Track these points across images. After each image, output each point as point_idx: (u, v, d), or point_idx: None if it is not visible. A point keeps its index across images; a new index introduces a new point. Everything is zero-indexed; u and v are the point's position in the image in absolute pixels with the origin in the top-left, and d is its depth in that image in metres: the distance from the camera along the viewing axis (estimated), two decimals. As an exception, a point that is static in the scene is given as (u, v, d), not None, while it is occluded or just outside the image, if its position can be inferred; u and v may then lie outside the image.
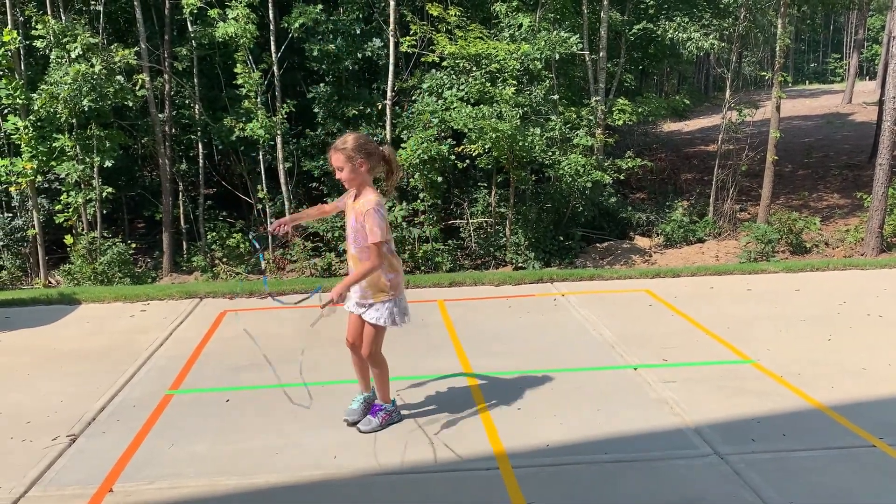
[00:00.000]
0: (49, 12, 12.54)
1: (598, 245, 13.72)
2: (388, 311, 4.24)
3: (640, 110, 14.46)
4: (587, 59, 14.11)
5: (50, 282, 12.23)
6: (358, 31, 13.69)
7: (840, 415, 4.59)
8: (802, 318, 6.58)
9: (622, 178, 14.61)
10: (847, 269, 8.52)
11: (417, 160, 12.05)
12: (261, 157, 13.56)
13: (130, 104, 12.76)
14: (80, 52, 11.71)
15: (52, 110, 11.69)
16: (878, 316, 6.60)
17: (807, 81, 57.63)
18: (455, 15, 12.95)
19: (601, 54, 13.94)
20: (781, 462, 4.05)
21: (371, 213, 4.00)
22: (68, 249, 12.04)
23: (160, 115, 13.62)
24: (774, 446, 4.22)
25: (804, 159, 20.73)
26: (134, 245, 12.64)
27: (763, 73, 19.25)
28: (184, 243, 14.09)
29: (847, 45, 56.87)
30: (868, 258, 10.73)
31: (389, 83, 13.35)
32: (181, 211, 14.29)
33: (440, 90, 12.91)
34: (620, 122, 14.05)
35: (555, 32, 13.04)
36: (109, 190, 12.38)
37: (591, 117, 13.62)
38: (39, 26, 11.86)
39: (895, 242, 11.89)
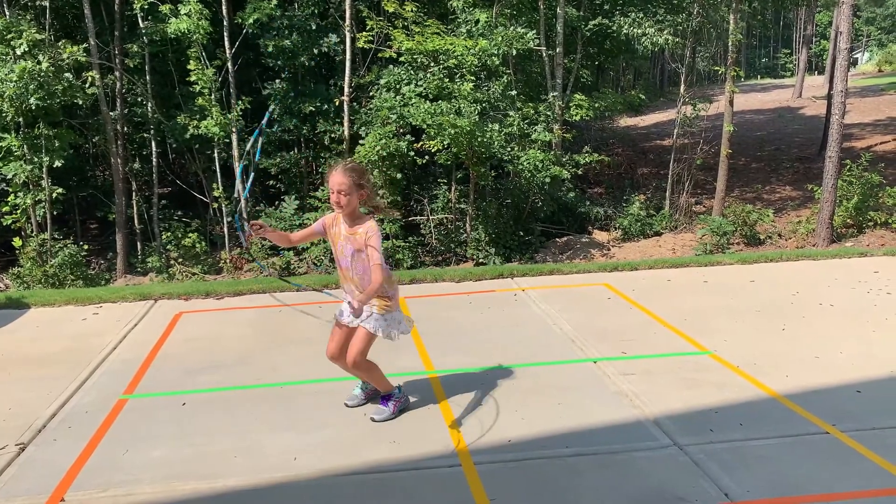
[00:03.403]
0: (-8, 8, 12.17)
1: (557, 240, 13.80)
2: (385, 322, 4.42)
3: (596, 105, 14.57)
4: (544, 54, 14.17)
5: (-2, 285, 11.87)
6: (313, 27, 13.55)
7: (795, 403, 4.68)
8: (757, 308, 6.70)
9: (580, 173, 14.72)
10: (799, 260, 8.70)
11: (376, 157, 11.98)
12: (216, 154, 13.34)
13: (80, 102, 12.42)
14: (26, 49, 11.36)
15: (-4, 109, 11.34)
16: (829, 305, 6.75)
17: (758, 76, 58.80)
18: (412, 10, 12.89)
19: (558, 50, 14.01)
20: (739, 451, 4.11)
21: (374, 238, 4.25)
22: (17, 252, 11.69)
23: (112, 114, 13.31)
24: (732, 436, 4.28)
25: (757, 152, 21.14)
26: (86, 247, 12.32)
27: (716, 68, 19.57)
28: (138, 244, 13.81)
29: (796, 41, 58.17)
30: (819, 248, 10.98)
31: (346, 79, 13.24)
32: (135, 211, 14.00)
33: (398, 86, 12.84)
34: (578, 118, 14.13)
35: (511, 28, 13.07)
36: (60, 190, 12.05)
37: (548, 113, 13.68)
38: (-18, 22, 11.49)
39: (845, 233, 12.19)
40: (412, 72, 12.89)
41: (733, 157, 15.29)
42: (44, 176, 11.91)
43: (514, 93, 13.36)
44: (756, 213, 12.97)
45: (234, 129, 12.86)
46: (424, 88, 12.53)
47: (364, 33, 13.00)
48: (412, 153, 12.52)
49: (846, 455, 4.05)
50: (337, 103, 13.55)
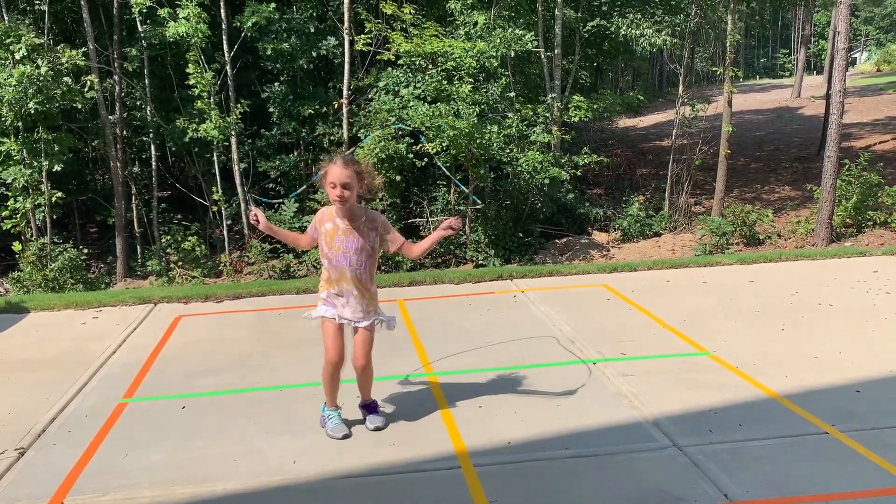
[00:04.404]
0: (-9, 12, 12.18)
1: (556, 241, 13.79)
2: (383, 316, 4.43)
3: (595, 107, 14.57)
4: (542, 56, 14.17)
5: (-2, 290, 11.87)
6: (312, 30, 13.57)
7: (794, 403, 4.68)
8: (757, 308, 6.70)
9: (579, 174, 14.71)
10: (799, 260, 8.71)
11: (375, 159, 11.98)
12: (215, 158, 13.34)
13: (79, 106, 12.42)
14: (25, 54, 11.37)
15: (-5, 113, 11.34)
16: (828, 305, 6.75)
17: (757, 76, 58.83)
18: (410, 13, 12.90)
19: (556, 51, 14.01)
20: (738, 452, 4.11)
21: (388, 223, 4.38)
22: (17, 256, 11.69)
23: (111, 117, 13.31)
24: (731, 436, 4.28)
25: (756, 152, 21.14)
26: (86, 250, 12.31)
27: (715, 69, 19.56)
28: (138, 247, 13.81)
29: (795, 41, 58.20)
30: (819, 248, 10.98)
31: (345, 82, 13.25)
32: (134, 214, 14.00)
33: (397, 88, 12.85)
34: (577, 119, 14.13)
35: (510, 30, 13.07)
36: (59, 194, 12.04)
37: (547, 114, 13.67)
38: (-20, 27, 11.50)
39: (844, 233, 12.19)
40: (410, 74, 12.90)
41: (732, 157, 15.29)
42: (43, 180, 11.91)
43: (512, 94, 13.37)
44: (755, 214, 12.96)
45: (233, 133, 12.86)
46: (423, 90, 12.54)
47: (362, 36, 13.01)
48: (411, 155, 12.52)
49: (846, 455, 4.05)
50: (336, 106, 13.55)
